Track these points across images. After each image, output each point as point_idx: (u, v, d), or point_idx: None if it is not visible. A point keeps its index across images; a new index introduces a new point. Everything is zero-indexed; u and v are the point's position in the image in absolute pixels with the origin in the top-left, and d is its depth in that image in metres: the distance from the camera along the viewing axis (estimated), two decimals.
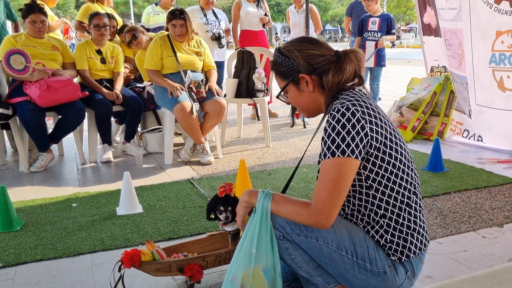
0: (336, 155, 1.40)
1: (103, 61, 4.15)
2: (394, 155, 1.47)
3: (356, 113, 1.42)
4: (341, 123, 1.41)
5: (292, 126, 5.37)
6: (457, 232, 2.37)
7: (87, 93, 3.91)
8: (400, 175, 1.48)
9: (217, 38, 5.40)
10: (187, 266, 1.86)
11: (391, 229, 1.49)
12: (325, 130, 1.46)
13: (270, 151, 4.27)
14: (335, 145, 1.40)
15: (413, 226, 1.51)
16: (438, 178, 3.25)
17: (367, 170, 1.46)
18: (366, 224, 1.51)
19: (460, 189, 3.00)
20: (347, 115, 1.41)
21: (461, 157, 3.83)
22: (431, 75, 4.98)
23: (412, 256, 1.51)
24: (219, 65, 5.47)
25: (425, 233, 1.56)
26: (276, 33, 32.29)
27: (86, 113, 3.93)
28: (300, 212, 1.45)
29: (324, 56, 1.55)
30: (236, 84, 4.44)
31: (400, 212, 1.49)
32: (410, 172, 1.52)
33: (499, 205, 2.72)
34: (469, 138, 4.32)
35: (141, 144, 4.43)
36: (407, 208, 1.50)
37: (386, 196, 1.48)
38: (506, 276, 0.41)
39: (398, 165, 1.48)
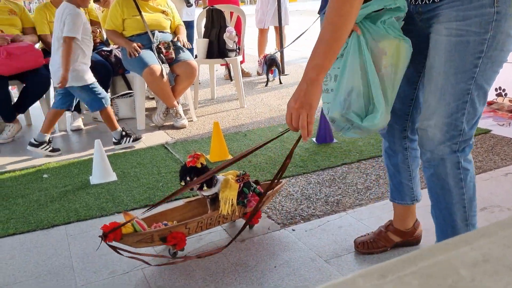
0: None
1: None
2: None
3: None
4: None
5: (266, 85, 5.30)
6: None
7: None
8: None
9: None
10: (169, 235, 1.84)
11: None
12: None
13: (244, 112, 4.21)
14: None
15: None
16: None
17: None
18: None
19: None
20: None
21: None
22: None
23: None
24: (189, 24, 5.29)
25: None
26: None
27: (51, 80, 3.77)
28: None
29: None
30: (206, 44, 4.32)
31: None
32: None
33: None
34: None
35: (112, 110, 4.30)
36: None
37: None
38: (479, 242, 0.39)
39: None
